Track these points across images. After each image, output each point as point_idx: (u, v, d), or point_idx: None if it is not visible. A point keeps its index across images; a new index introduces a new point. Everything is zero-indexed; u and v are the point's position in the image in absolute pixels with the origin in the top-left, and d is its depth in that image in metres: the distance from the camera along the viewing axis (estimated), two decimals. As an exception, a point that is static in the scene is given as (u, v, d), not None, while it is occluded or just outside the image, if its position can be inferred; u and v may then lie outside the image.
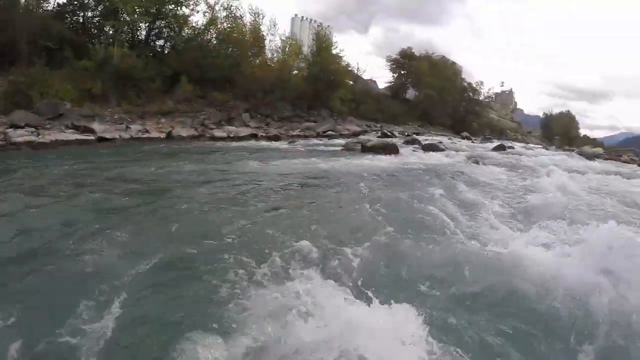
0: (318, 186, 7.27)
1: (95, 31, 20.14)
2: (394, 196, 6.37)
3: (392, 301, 2.53)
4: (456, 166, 11.23)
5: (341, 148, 14.37)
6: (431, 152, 14.41)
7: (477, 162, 12.41)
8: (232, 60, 22.21)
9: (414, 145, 16.87)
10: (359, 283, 3.20)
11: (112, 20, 19.31)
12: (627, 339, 2.63)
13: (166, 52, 21.85)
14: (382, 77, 64.38)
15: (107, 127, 14.08)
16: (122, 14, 19.37)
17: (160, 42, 22.33)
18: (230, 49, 22.74)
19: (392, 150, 12.94)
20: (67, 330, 2.41)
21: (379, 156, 11.87)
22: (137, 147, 12.73)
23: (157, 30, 21.72)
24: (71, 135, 12.35)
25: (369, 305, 2.55)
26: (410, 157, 12.69)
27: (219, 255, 3.56)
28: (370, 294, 2.71)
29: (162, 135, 15.33)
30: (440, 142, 19.26)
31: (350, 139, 18.13)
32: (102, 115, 15.22)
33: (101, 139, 12.95)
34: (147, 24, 20.94)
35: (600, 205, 6.83)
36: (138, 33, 21.29)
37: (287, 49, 26.71)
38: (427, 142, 18.34)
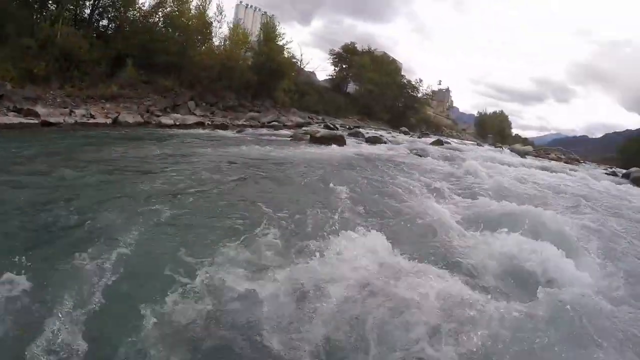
0: (281, 171, 7.85)
1: (37, 6, 18.64)
2: (350, 180, 7.09)
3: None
4: (399, 157, 12.25)
5: (290, 138, 14.88)
6: (375, 144, 15.31)
7: (418, 154, 13.45)
8: (179, 46, 21.83)
9: (358, 138, 17.77)
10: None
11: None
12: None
13: (110, 33, 20.99)
14: (321, 69, 64.76)
15: (51, 110, 13.66)
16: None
17: (104, 22, 21.28)
18: (176, 34, 22.28)
19: (340, 141, 13.66)
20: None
21: (328, 146, 12.54)
22: (85, 132, 12.49)
23: (101, 8, 20.71)
24: (14, 119, 11.95)
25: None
26: (356, 148, 13.52)
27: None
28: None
29: (109, 121, 15.02)
30: (382, 136, 20.27)
31: (296, 130, 18.69)
32: (44, 98, 14.71)
33: (45, 123, 12.59)
34: (90, 1, 20.03)
35: (517, 189, 8.08)
36: (81, 11, 20.17)
37: (234, 37, 26.59)
38: (369, 135, 19.27)
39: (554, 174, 13.56)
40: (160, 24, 22.64)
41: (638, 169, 21.75)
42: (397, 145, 17.08)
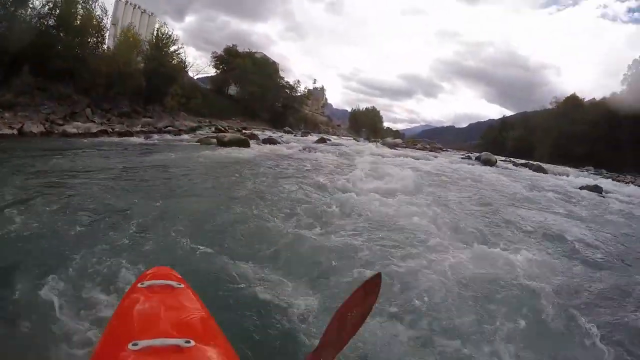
0: (230, 173, 9.37)
1: None
2: (270, 176, 9.40)
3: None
4: (299, 154, 14.94)
5: (198, 143, 16.53)
6: (275, 145, 17.71)
7: (310, 151, 16.19)
8: (74, 50, 21.58)
9: (255, 140, 19.95)
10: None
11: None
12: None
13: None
14: (195, 70, 64.73)
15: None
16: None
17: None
18: (70, 37, 21.82)
19: (245, 144, 15.75)
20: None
21: (237, 149, 14.60)
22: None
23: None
24: None
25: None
26: (261, 149, 15.79)
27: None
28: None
29: (14, 132, 15.21)
30: (271, 137, 22.70)
31: (197, 134, 20.31)
32: None
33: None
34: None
35: (376, 170, 11.09)
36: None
37: (126, 41, 26.75)
38: (264, 137, 21.57)
39: (417, 160, 17.64)
40: (52, 26, 21.77)
41: (487, 152, 27.78)
42: (289, 143, 19.76)
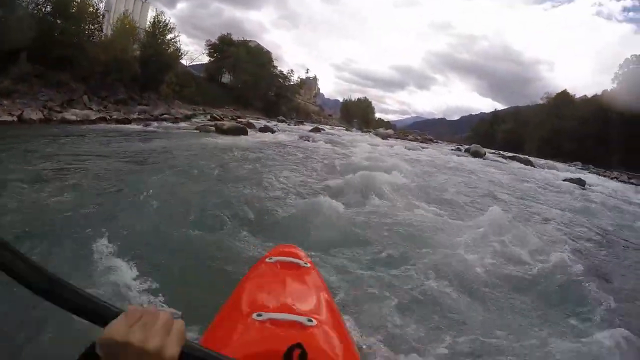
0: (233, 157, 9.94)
1: None
2: (286, 162, 9.89)
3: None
4: (295, 143, 15.32)
5: (197, 130, 16.88)
6: (273, 133, 18.17)
7: (308, 139, 16.68)
8: (74, 38, 21.70)
9: (252, 128, 20.35)
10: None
11: None
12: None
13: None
14: (188, 56, 64.53)
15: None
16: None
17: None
18: (68, 25, 21.82)
19: (244, 132, 16.18)
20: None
21: (237, 137, 14.99)
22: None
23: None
24: None
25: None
26: (261, 137, 16.22)
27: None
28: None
29: (14, 119, 15.47)
30: (267, 125, 23.10)
31: (193, 122, 20.67)
32: None
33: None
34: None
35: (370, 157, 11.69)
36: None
37: (122, 29, 26.84)
38: (260, 126, 21.98)
39: (410, 150, 18.32)
40: (49, 13, 21.87)
41: (476, 145, 28.51)
42: (286, 132, 20.25)
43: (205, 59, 51.10)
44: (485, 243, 4.66)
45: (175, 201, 5.08)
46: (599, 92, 57.41)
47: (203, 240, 3.93)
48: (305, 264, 1.80)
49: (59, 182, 5.58)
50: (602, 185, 18.30)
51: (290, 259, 1.81)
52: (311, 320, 1.27)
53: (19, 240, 3.39)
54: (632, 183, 24.01)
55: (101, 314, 0.61)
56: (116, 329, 0.55)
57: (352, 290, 3.23)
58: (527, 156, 30.05)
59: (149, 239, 3.82)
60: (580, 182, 16.38)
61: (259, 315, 1.28)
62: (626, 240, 6.94)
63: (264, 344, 1.17)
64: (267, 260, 1.82)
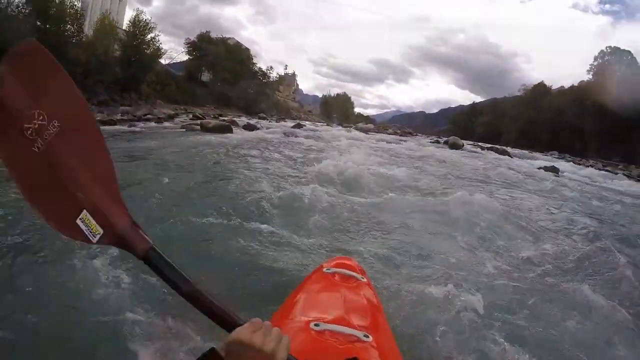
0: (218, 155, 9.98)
1: None
2: (275, 158, 10.28)
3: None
4: (281, 139, 15.77)
5: (183, 129, 17.05)
6: (257, 130, 18.61)
7: (291, 135, 17.21)
8: (53, 40, 21.42)
9: (236, 126, 20.65)
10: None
11: None
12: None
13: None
14: (168, 57, 64.22)
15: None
16: None
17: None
18: (47, 26, 21.97)
19: (229, 130, 16.50)
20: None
21: (223, 135, 15.23)
22: None
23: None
24: None
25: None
26: (245, 134, 16.56)
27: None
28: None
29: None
30: (250, 123, 23.36)
31: (177, 122, 20.85)
32: None
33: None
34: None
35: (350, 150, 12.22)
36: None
37: (102, 28, 26.83)
38: (244, 123, 22.30)
39: (389, 143, 19.10)
40: (27, 14, 21.86)
41: (454, 137, 29.40)
42: (269, 129, 20.70)
43: (184, 58, 50.99)
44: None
45: (205, 202, 4.98)
46: (576, 84, 59.07)
47: (242, 244, 3.72)
48: (362, 277, 1.80)
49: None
50: (576, 172, 19.28)
51: (348, 271, 1.80)
52: (367, 336, 1.27)
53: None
54: (607, 170, 25.10)
55: (230, 321, 0.78)
56: (243, 333, 0.71)
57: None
58: (503, 147, 31.01)
59: (183, 242, 3.66)
60: (554, 170, 17.16)
61: (317, 325, 1.29)
62: (592, 217, 7.45)
63: (321, 353, 1.18)
64: (324, 270, 1.82)
